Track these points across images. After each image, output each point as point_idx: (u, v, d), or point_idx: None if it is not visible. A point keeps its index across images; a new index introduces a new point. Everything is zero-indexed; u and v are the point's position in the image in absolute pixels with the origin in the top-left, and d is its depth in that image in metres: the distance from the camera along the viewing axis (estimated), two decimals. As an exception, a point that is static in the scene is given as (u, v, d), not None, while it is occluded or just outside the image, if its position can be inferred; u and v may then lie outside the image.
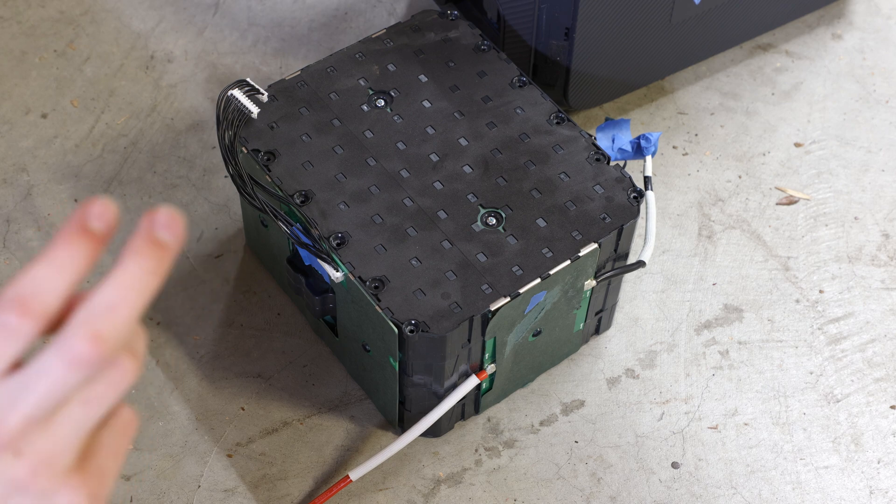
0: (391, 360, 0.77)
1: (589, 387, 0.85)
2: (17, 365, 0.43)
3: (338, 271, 0.76)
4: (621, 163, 0.82)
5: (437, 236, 0.77)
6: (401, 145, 0.81)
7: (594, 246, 0.77)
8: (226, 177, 0.94)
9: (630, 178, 0.80)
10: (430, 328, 0.73)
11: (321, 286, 0.80)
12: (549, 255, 0.76)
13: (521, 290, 0.75)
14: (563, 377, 0.86)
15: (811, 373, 0.86)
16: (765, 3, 1.00)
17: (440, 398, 0.78)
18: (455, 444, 0.83)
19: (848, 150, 0.98)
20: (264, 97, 0.82)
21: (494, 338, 0.77)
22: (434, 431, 0.82)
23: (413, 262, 0.76)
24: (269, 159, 0.80)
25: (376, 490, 0.80)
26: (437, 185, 0.79)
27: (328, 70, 0.84)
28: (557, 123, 0.82)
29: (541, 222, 0.78)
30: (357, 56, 0.85)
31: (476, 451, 0.83)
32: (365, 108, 0.83)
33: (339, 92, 0.83)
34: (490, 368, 0.79)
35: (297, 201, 0.78)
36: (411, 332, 0.73)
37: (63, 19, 1.03)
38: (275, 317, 0.88)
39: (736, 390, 0.85)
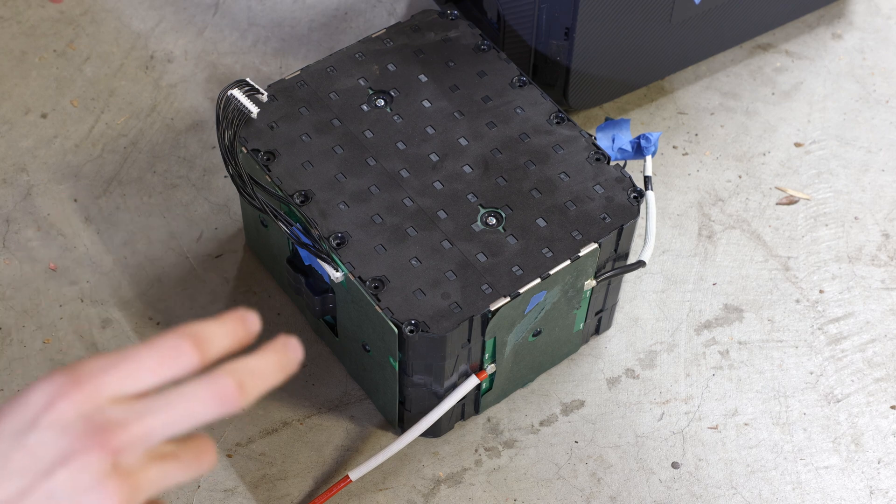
0: (391, 360, 0.77)
1: (589, 387, 0.86)
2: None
3: (338, 271, 0.76)
4: (621, 163, 0.82)
5: (437, 236, 0.77)
6: (401, 145, 0.81)
7: (594, 246, 0.77)
8: (226, 177, 0.94)
9: (630, 177, 0.80)
10: (430, 328, 0.73)
11: (321, 286, 0.80)
12: (549, 255, 0.76)
13: (521, 290, 0.75)
14: (563, 377, 0.86)
15: (811, 373, 0.86)
16: (765, 3, 1.00)
17: (440, 398, 0.78)
18: (455, 444, 0.83)
19: (848, 150, 0.98)
20: (264, 97, 0.82)
21: (494, 338, 0.77)
22: (434, 431, 0.82)
23: (413, 262, 0.76)
24: (268, 159, 0.80)
25: (376, 490, 0.80)
26: (437, 185, 0.79)
27: (328, 70, 0.84)
28: (557, 123, 0.82)
29: (541, 222, 0.78)
30: (357, 56, 0.85)
31: (476, 451, 0.83)
32: (365, 107, 0.83)
33: (338, 92, 0.83)
34: (490, 368, 0.79)
35: (297, 201, 0.78)
36: (411, 332, 0.73)
37: (63, 19, 1.03)
38: (275, 317, 0.88)
39: (736, 390, 0.85)
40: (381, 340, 0.76)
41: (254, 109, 0.80)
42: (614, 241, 0.79)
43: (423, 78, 0.84)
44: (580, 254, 0.76)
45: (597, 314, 0.85)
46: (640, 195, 0.79)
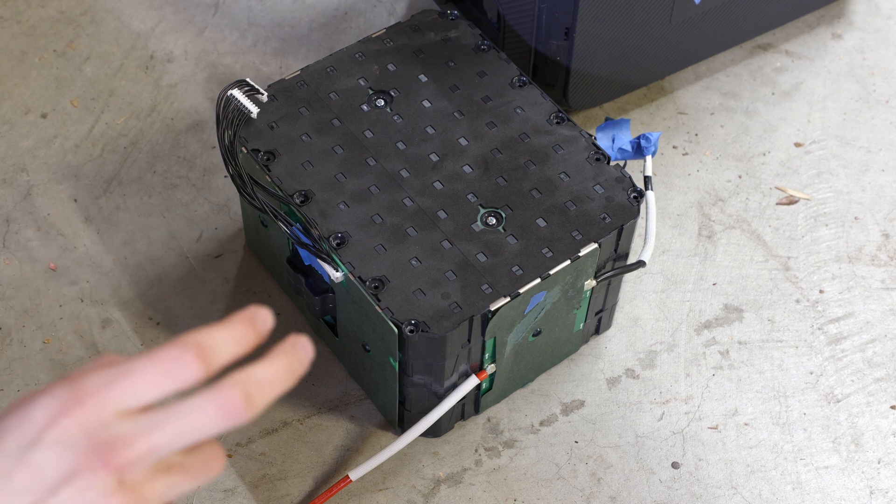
0: (391, 360, 0.77)
1: (589, 387, 0.86)
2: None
3: (338, 271, 0.76)
4: (621, 163, 0.82)
5: (437, 236, 0.77)
6: (401, 145, 0.81)
7: (594, 246, 0.77)
8: (226, 177, 0.94)
9: (630, 177, 0.80)
10: (430, 328, 0.73)
11: (321, 286, 0.80)
12: (549, 255, 0.76)
13: (521, 290, 0.75)
14: (563, 377, 0.86)
15: (811, 373, 0.87)
16: (765, 3, 1.00)
17: (440, 398, 0.78)
18: (455, 444, 0.83)
19: (848, 150, 0.98)
20: (264, 97, 0.82)
21: (494, 338, 0.77)
22: (434, 431, 0.82)
23: (413, 262, 0.76)
24: (268, 159, 0.80)
25: (376, 490, 0.80)
26: (437, 185, 0.79)
27: (328, 70, 0.84)
28: (557, 123, 0.82)
29: (541, 222, 0.78)
30: (357, 56, 0.85)
31: (476, 451, 0.83)
32: (365, 107, 0.83)
33: (338, 92, 0.83)
34: (490, 368, 0.79)
35: (297, 201, 0.78)
36: (411, 332, 0.73)
37: (63, 19, 1.03)
38: (275, 317, 0.88)
39: (736, 390, 0.85)
40: (381, 340, 0.76)
41: (254, 109, 0.80)
42: (614, 241, 0.79)
43: (423, 78, 0.84)
44: (580, 254, 0.77)
45: (597, 314, 0.85)
46: (640, 195, 0.79)
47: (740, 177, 0.96)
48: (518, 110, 0.83)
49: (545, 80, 0.95)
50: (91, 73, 1.00)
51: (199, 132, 0.97)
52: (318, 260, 0.77)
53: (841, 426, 0.84)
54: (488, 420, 0.84)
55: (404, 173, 0.80)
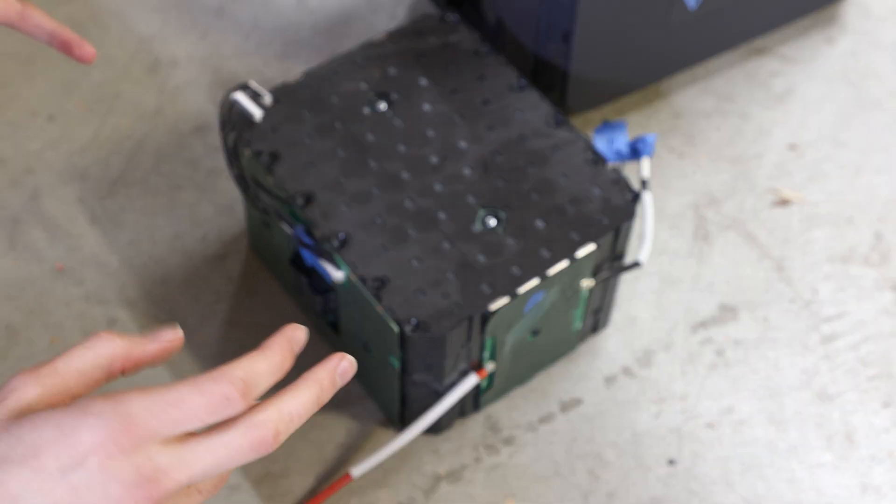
0: (392, 359, 0.77)
1: (587, 385, 0.86)
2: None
3: (339, 271, 0.77)
4: (618, 164, 0.83)
5: (437, 237, 0.78)
6: (401, 147, 0.81)
7: (592, 246, 0.78)
8: (229, 179, 0.95)
9: (627, 179, 0.80)
10: (430, 327, 0.74)
11: (323, 286, 0.81)
12: (548, 255, 0.77)
13: (520, 291, 0.76)
14: (562, 376, 0.86)
15: (805, 371, 0.87)
16: (759, 8, 1.00)
17: (440, 396, 0.79)
18: (455, 442, 0.83)
19: (841, 153, 0.99)
20: (267, 100, 0.82)
21: (494, 337, 0.78)
22: (434, 429, 0.83)
23: (414, 262, 0.76)
24: (271, 161, 0.80)
25: (377, 487, 0.81)
26: (438, 187, 0.80)
27: (330, 73, 0.85)
28: (556, 126, 0.83)
29: (539, 223, 0.78)
30: (358, 60, 0.86)
31: (475, 448, 0.83)
32: (366, 110, 0.83)
33: (340, 95, 0.84)
34: (489, 367, 0.80)
35: (299, 202, 0.79)
36: (412, 331, 0.74)
37: (70, 24, 1.04)
38: (277, 316, 0.88)
39: (731, 388, 0.86)
40: (382, 340, 0.77)
41: (257, 112, 0.81)
42: (611, 242, 0.80)
43: (423, 81, 0.85)
44: (578, 254, 0.77)
45: (594, 314, 0.86)
46: (637, 197, 0.80)
47: (735, 179, 0.97)
48: (517, 113, 0.83)
49: (544, 84, 0.95)
50: (97, 77, 1.01)
51: (204, 134, 0.98)
52: (320, 260, 0.77)
53: (834, 424, 0.85)
54: (488, 418, 0.84)
55: (405, 175, 0.80)
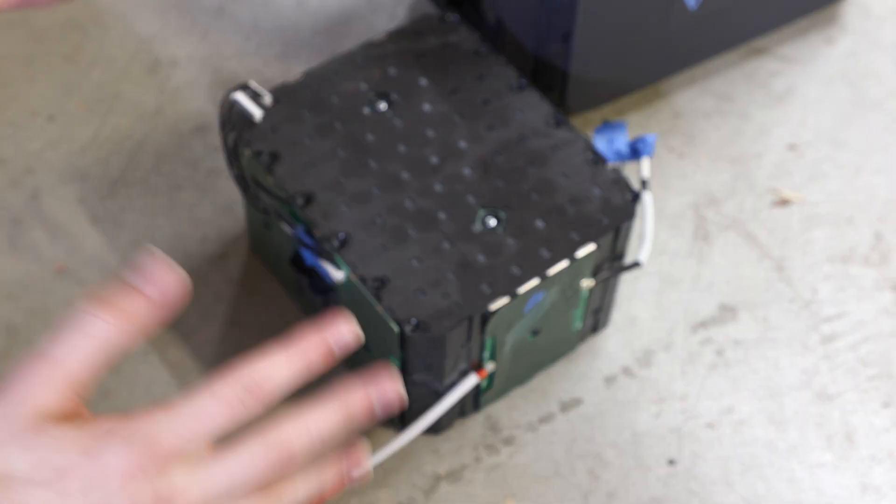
0: (392, 359, 0.78)
1: (587, 385, 0.86)
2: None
3: (339, 271, 0.77)
4: (618, 164, 0.83)
5: (437, 237, 0.78)
6: (401, 147, 0.82)
7: (592, 246, 0.78)
8: (229, 179, 0.95)
9: (627, 179, 0.81)
10: (430, 327, 0.74)
11: (323, 286, 0.81)
12: (548, 255, 0.77)
13: (520, 290, 0.76)
14: (562, 376, 0.87)
15: (805, 371, 0.87)
16: (759, 8, 1.00)
17: (440, 396, 0.79)
18: (455, 442, 0.83)
19: (841, 153, 0.99)
20: (267, 100, 0.82)
21: (494, 337, 0.78)
22: (434, 429, 0.83)
23: (413, 262, 0.77)
24: (271, 161, 0.81)
25: (377, 487, 0.81)
26: (438, 187, 0.80)
27: (330, 73, 0.85)
28: (556, 126, 0.83)
29: (539, 223, 0.78)
30: (358, 60, 0.86)
31: (475, 448, 0.83)
32: (366, 110, 0.83)
33: (340, 95, 0.84)
34: (489, 367, 0.80)
35: (299, 202, 0.79)
36: (412, 331, 0.74)
37: (71, 24, 1.04)
38: (277, 317, 0.88)
39: (731, 388, 0.86)
40: (382, 339, 0.77)
41: (257, 112, 0.81)
42: (611, 242, 0.80)
43: (423, 81, 0.85)
44: (578, 254, 0.77)
45: (594, 314, 0.86)
46: (637, 197, 0.80)
47: (735, 179, 0.97)
48: (517, 113, 0.83)
49: (544, 84, 0.95)
50: (97, 77, 1.01)
51: (204, 135, 0.98)
52: (321, 260, 0.77)
53: (834, 424, 0.85)
54: (487, 418, 0.85)
55: (405, 175, 0.80)
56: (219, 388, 0.51)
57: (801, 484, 0.82)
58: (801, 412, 0.85)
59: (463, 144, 0.82)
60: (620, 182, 0.80)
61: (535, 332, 0.81)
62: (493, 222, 0.78)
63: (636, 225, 0.84)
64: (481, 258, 0.77)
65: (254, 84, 0.82)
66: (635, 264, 0.81)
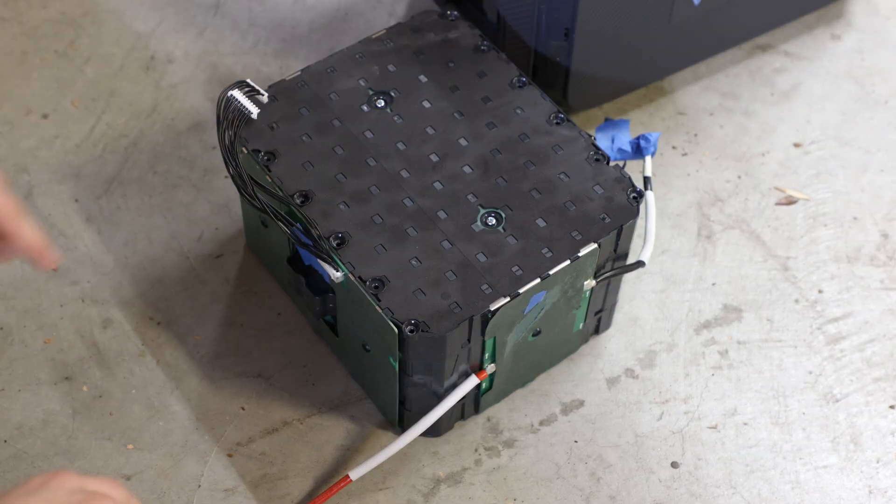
0: (391, 360, 0.77)
1: (588, 387, 0.86)
2: None
3: (338, 271, 0.76)
4: (621, 163, 0.82)
5: (437, 236, 0.77)
6: (401, 145, 0.81)
7: (594, 246, 0.77)
8: (226, 177, 0.95)
9: (629, 178, 0.80)
10: (430, 328, 0.73)
11: (321, 286, 0.80)
12: (549, 255, 0.77)
13: (521, 290, 0.75)
14: (563, 377, 0.86)
15: (810, 372, 0.87)
16: (763, 4, 1.00)
17: (440, 398, 0.78)
18: (455, 444, 0.83)
19: (847, 151, 0.98)
20: (264, 98, 0.82)
21: (494, 338, 0.77)
22: (434, 431, 0.82)
23: (413, 262, 0.76)
24: (269, 159, 0.80)
25: (376, 489, 0.81)
26: (437, 186, 0.79)
27: (328, 70, 0.85)
28: (557, 124, 0.82)
29: (540, 222, 0.78)
30: (357, 56, 0.85)
31: (476, 450, 0.83)
32: (365, 108, 0.83)
33: (339, 92, 0.84)
34: (490, 368, 0.79)
35: (297, 201, 0.78)
36: (411, 331, 0.73)
37: (64, 20, 1.04)
38: (275, 317, 0.88)
39: (735, 390, 0.86)
40: (382, 340, 0.77)
41: (254, 110, 0.80)
42: (614, 242, 0.79)
43: (423, 78, 0.84)
44: (580, 254, 0.77)
45: (596, 314, 0.85)
46: (640, 195, 0.79)
47: (739, 177, 0.96)
48: (518, 111, 0.83)
49: (545, 81, 0.95)
50: (92, 74, 1.00)
51: (200, 133, 0.97)
52: (319, 260, 0.77)
53: (840, 426, 0.84)
54: (488, 420, 0.84)
55: (404, 173, 0.80)
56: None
57: (805, 486, 0.82)
58: (805, 414, 0.85)
59: (463, 142, 0.82)
60: (623, 181, 0.80)
61: (536, 333, 0.80)
62: (493, 221, 0.78)
63: (639, 224, 0.84)
64: (481, 258, 0.76)
65: (251, 81, 0.82)
66: (638, 264, 0.81)
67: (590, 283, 0.80)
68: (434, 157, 0.81)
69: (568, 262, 0.76)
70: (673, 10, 0.93)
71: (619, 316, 0.89)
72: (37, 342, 0.86)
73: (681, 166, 0.97)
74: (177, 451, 0.82)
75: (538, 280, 0.76)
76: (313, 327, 0.87)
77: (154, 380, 0.85)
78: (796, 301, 0.90)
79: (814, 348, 0.88)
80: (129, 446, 0.82)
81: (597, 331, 0.88)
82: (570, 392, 0.85)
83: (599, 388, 0.86)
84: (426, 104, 0.83)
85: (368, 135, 0.82)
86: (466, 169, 0.80)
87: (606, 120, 0.85)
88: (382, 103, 0.83)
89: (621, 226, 0.78)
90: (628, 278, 0.90)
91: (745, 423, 0.84)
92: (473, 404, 0.83)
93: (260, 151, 0.80)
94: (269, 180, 0.79)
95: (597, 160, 0.81)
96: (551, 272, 0.76)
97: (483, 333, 0.76)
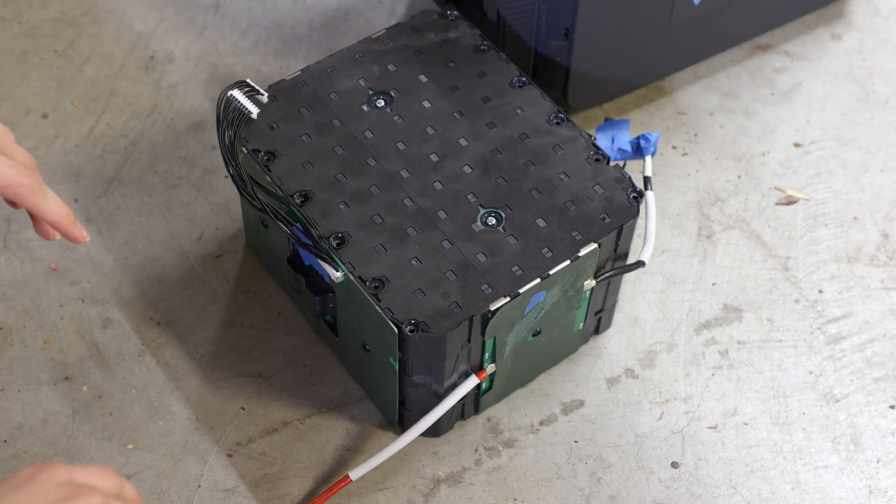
0: (391, 360, 0.77)
1: (588, 387, 0.86)
2: None
3: (338, 271, 0.76)
4: (621, 163, 0.82)
5: (437, 236, 0.77)
6: (401, 145, 0.81)
7: (594, 246, 0.77)
8: (226, 177, 0.95)
9: (629, 178, 0.80)
10: (430, 328, 0.73)
11: (321, 286, 0.80)
12: (549, 254, 0.76)
13: (521, 290, 0.75)
14: (563, 377, 0.86)
15: (810, 372, 0.87)
16: (764, 4, 1.00)
17: (440, 398, 0.78)
18: (455, 444, 0.83)
19: (847, 151, 0.98)
20: (264, 97, 0.82)
21: (494, 338, 0.77)
22: (434, 431, 0.82)
23: (413, 262, 0.76)
24: (269, 159, 0.80)
25: (376, 490, 0.81)
26: (437, 185, 0.79)
27: (328, 70, 0.85)
28: (557, 124, 0.82)
29: (540, 222, 0.78)
30: (357, 56, 0.85)
31: (476, 450, 0.83)
32: (365, 108, 0.83)
33: (339, 92, 0.84)
34: (490, 368, 0.79)
35: (297, 201, 0.78)
36: (411, 331, 0.73)
37: (64, 20, 1.04)
38: (275, 317, 0.88)
39: (735, 390, 0.86)
40: (382, 340, 0.76)
41: (254, 110, 0.80)
42: (614, 242, 0.79)
43: (423, 78, 0.84)
44: (580, 254, 0.77)
45: (596, 314, 0.85)
46: (640, 195, 0.79)
47: (739, 177, 0.96)
48: (518, 111, 0.83)
49: (545, 81, 0.95)
50: (92, 74, 1.00)
51: (200, 132, 0.97)
52: (319, 260, 0.77)
53: (840, 426, 0.84)
54: (488, 420, 0.84)
55: (404, 173, 0.80)
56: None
57: (806, 487, 0.82)
58: (806, 414, 0.85)
59: (463, 142, 0.81)
60: (623, 180, 0.80)
61: (536, 333, 0.80)
62: (493, 221, 0.78)
63: (639, 224, 0.84)
64: (481, 258, 0.76)
65: (250, 81, 0.82)
66: (638, 264, 0.81)
67: (590, 283, 0.80)
68: (434, 157, 0.81)
69: (568, 262, 0.76)
70: (673, 10, 0.93)
71: (619, 316, 0.89)
72: (36, 342, 0.86)
73: (681, 166, 0.97)
74: (177, 451, 0.82)
75: (538, 280, 0.76)
76: (313, 327, 0.87)
77: (154, 380, 0.85)
78: (796, 301, 0.90)
79: (814, 348, 0.88)
80: (128, 446, 0.82)
81: (597, 331, 0.88)
82: (570, 392, 0.85)
83: (599, 388, 0.86)
84: (426, 104, 0.83)
85: (368, 135, 0.82)
86: (466, 169, 0.80)
87: (606, 120, 0.85)
88: (382, 103, 0.83)
89: (621, 226, 0.78)
90: (628, 278, 0.90)
91: (746, 423, 0.84)
92: (473, 404, 0.83)
93: (260, 151, 0.80)
94: (269, 180, 0.79)
95: (597, 160, 0.81)
96: (551, 272, 0.76)
97: (483, 333, 0.76)
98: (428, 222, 0.78)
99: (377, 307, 0.74)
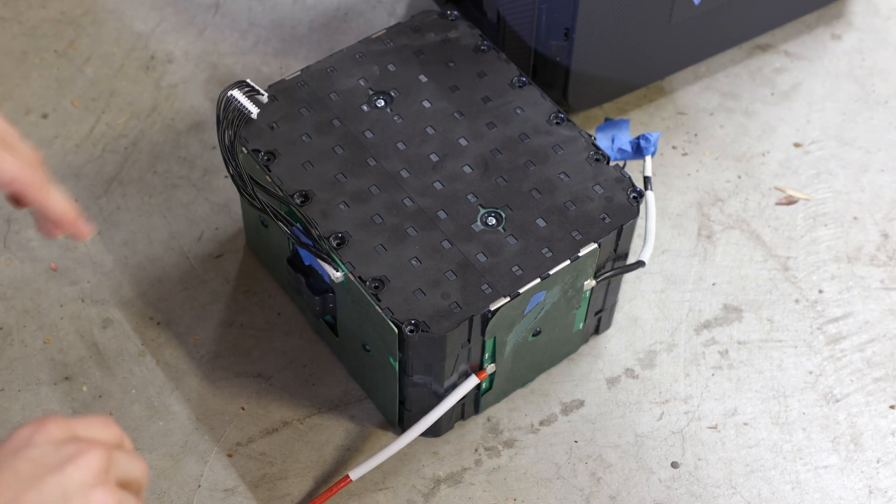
0: (391, 360, 0.77)
1: (588, 387, 0.86)
2: None
3: (338, 271, 0.76)
4: (621, 163, 0.82)
5: (437, 236, 0.77)
6: (401, 145, 0.81)
7: (594, 246, 0.77)
8: (226, 177, 0.95)
9: (629, 178, 0.80)
10: (430, 328, 0.73)
11: (321, 286, 0.80)
12: (549, 254, 0.76)
13: (521, 290, 0.75)
14: (563, 377, 0.86)
15: (810, 372, 0.87)
16: (764, 4, 1.00)
17: (440, 398, 0.78)
18: (455, 444, 0.83)
19: (847, 151, 0.98)
20: (264, 97, 0.82)
21: (494, 338, 0.77)
22: (434, 431, 0.82)
23: (413, 262, 0.76)
24: (269, 159, 0.80)
25: (376, 490, 0.81)
26: (437, 186, 0.79)
27: (328, 70, 0.85)
28: (557, 124, 0.82)
29: (540, 222, 0.78)
30: (357, 56, 0.85)
31: (476, 450, 0.83)
32: (365, 108, 0.83)
33: (339, 92, 0.84)
34: (490, 368, 0.79)
35: (297, 201, 0.78)
36: (411, 331, 0.73)
37: (64, 20, 1.04)
38: (275, 317, 0.88)
39: (735, 390, 0.86)
40: (382, 340, 0.76)
41: (254, 110, 0.80)
42: (614, 242, 0.79)
43: (423, 78, 0.84)
44: (580, 254, 0.77)
45: (596, 314, 0.85)
46: (640, 195, 0.79)
47: (739, 177, 0.96)
48: (518, 111, 0.83)
49: (545, 81, 0.95)
50: (92, 74, 1.00)
51: (200, 132, 0.97)
52: (319, 260, 0.77)
53: (840, 426, 0.84)
54: (488, 420, 0.84)
55: (404, 173, 0.80)
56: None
57: (806, 487, 0.82)
58: (806, 414, 0.85)
59: (463, 142, 0.81)
60: (623, 180, 0.80)
61: (536, 333, 0.80)
62: (493, 221, 0.78)
63: (639, 224, 0.84)
64: (481, 258, 0.76)
65: (250, 81, 0.82)
66: (638, 264, 0.81)
67: (590, 283, 0.80)
68: (434, 157, 0.81)
69: (568, 262, 0.76)
70: (673, 10, 0.93)
71: (619, 316, 0.89)
72: (36, 342, 0.86)
73: (681, 166, 0.97)
74: (177, 451, 0.82)
75: (538, 280, 0.76)
76: (313, 327, 0.87)
77: (154, 380, 0.85)
78: (796, 301, 0.90)
79: (814, 348, 0.88)
80: (128, 446, 0.81)
81: (597, 331, 0.87)
82: (570, 392, 0.85)
83: (599, 388, 0.86)
84: (426, 104, 0.83)
85: (368, 135, 0.82)
86: (466, 169, 0.80)
87: (606, 120, 0.85)
88: (382, 103, 0.83)
89: (621, 226, 0.78)
90: (628, 278, 0.90)
91: (746, 423, 0.84)
92: (473, 404, 0.83)
93: (260, 151, 0.80)
94: (269, 180, 0.79)
95: (597, 160, 0.81)
96: (551, 272, 0.76)
97: (483, 333, 0.76)
98: (428, 222, 0.78)
99: (377, 307, 0.74)
